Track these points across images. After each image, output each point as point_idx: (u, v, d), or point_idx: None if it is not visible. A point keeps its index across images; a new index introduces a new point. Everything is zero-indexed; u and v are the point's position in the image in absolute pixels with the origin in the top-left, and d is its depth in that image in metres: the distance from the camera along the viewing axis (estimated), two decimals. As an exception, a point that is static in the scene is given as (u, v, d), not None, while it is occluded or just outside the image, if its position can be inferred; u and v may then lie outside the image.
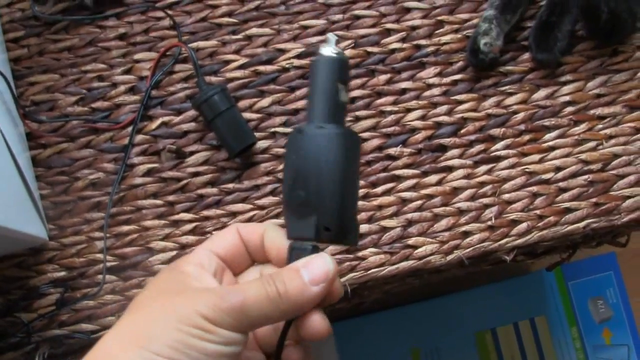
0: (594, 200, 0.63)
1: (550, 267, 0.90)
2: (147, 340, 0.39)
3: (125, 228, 0.62)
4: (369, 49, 0.65)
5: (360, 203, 0.62)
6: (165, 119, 0.64)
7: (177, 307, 0.40)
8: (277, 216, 0.62)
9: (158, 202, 0.62)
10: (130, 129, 0.63)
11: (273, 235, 0.46)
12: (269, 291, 0.41)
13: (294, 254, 0.44)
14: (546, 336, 1.00)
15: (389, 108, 0.64)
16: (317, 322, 0.43)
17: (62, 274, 0.62)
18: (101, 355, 0.40)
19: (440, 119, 0.64)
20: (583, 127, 0.64)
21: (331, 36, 0.45)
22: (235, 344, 0.40)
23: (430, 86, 0.65)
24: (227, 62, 0.64)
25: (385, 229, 0.62)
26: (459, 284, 1.00)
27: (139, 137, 0.63)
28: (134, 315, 0.41)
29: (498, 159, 0.63)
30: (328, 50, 0.44)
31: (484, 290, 1.00)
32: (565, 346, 1.00)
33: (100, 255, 0.62)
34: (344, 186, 0.43)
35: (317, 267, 0.42)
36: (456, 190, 0.63)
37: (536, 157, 0.63)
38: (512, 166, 0.63)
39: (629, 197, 0.63)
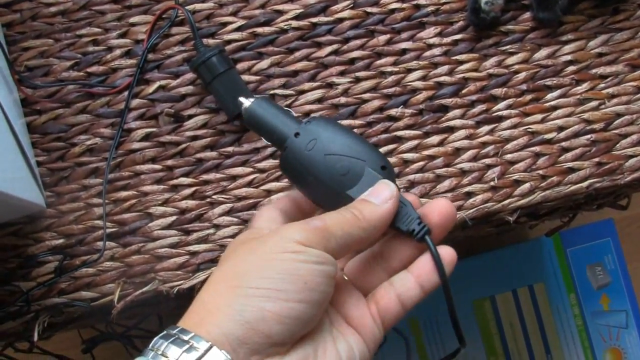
0: (596, 160, 0.62)
1: (549, 232, 0.90)
2: (240, 279, 0.41)
3: (124, 194, 0.61)
4: (368, 9, 0.64)
5: (361, 165, 0.61)
6: (163, 82, 0.63)
7: (264, 243, 0.42)
8: (277, 179, 0.61)
9: (156, 166, 0.62)
10: (126, 93, 0.62)
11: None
12: (348, 216, 0.44)
13: None
14: (545, 303, 1.00)
15: (389, 69, 0.63)
16: (442, 202, 0.47)
17: (61, 241, 0.61)
18: (201, 306, 0.41)
19: (441, 79, 0.63)
20: (585, 86, 0.64)
21: (241, 98, 0.50)
22: (327, 263, 0.42)
23: (430, 46, 0.64)
24: (224, 24, 0.63)
25: (387, 191, 0.61)
26: (457, 251, 1.00)
27: (136, 102, 0.62)
28: (222, 267, 0.43)
29: (500, 119, 0.63)
30: (249, 100, 0.49)
31: (482, 258, 1.00)
32: (564, 313, 1.00)
33: (98, 222, 0.61)
34: (361, 137, 0.48)
35: (381, 190, 0.45)
36: (458, 151, 0.62)
37: (538, 116, 0.63)
38: (514, 126, 0.63)
39: (631, 156, 0.62)
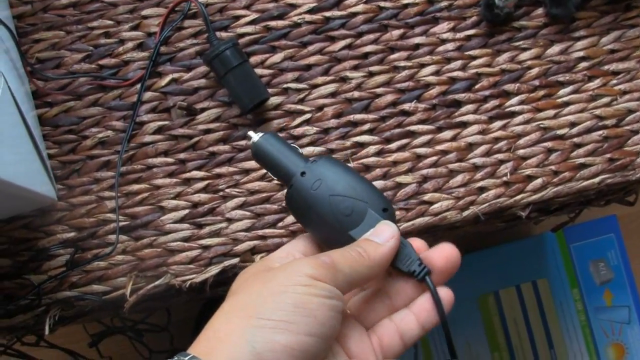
0: (608, 155, 0.62)
1: (555, 228, 0.90)
2: (252, 310, 0.42)
3: (136, 187, 0.61)
4: (382, 3, 0.64)
5: (374, 159, 0.61)
6: (175, 75, 0.62)
7: (276, 275, 0.44)
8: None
9: (169, 160, 0.61)
10: (138, 86, 0.62)
11: None
12: (353, 253, 0.46)
13: None
14: (548, 298, 1.00)
15: (402, 63, 0.63)
16: (447, 248, 0.49)
17: (72, 234, 0.60)
18: (212, 335, 0.42)
19: (455, 74, 0.63)
20: (597, 82, 0.64)
21: (250, 132, 0.51)
22: (336, 297, 0.43)
23: (443, 41, 0.64)
24: (237, 17, 0.63)
25: (400, 185, 0.61)
26: (462, 248, 1.00)
27: (148, 94, 0.62)
28: (234, 297, 0.45)
29: (513, 114, 0.63)
30: (258, 134, 0.51)
31: (486, 254, 1.00)
32: (567, 308, 1.00)
33: (110, 215, 0.61)
34: (364, 178, 0.50)
35: (383, 230, 0.47)
36: (471, 146, 0.62)
37: (551, 112, 0.63)
38: (527, 122, 0.63)
39: (643, 152, 0.62)
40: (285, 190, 0.50)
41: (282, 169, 0.50)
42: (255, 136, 0.51)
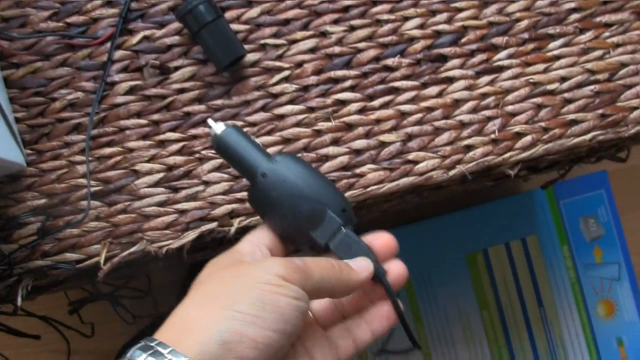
0: (600, 111, 0.60)
1: (544, 185, 0.89)
2: (226, 301, 0.43)
3: (108, 150, 0.59)
4: (363, -46, 0.61)
5: (356, 117, 0.59)
6: (147, 32, 0.59)
7: (249, 271, 0.45)
8: (269, 133, 0.59)
9: (142, 121, 0.59)
10: (109, 44, 0.59)
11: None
12: (326, 264, 0.47)
13: (339, 250, 0.50)
14: (537, 256, 0.99)
15: (385, 17, 0.60)
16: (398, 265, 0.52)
17: (43, 201, 0.58)
18: (179, 322, 0.43)
19: (440, 27, 0.60)
20: (589, 35, 0.61)
21: (210, 121, 0.51)
22: (302, 299, 0.45)
23: (428, -8, 0.61)
24: (211, -30, 0.60)
25: (383, 144, 0.59)
26: (448, 206, 0.99)
27: (119, 53, 0.59)
28: (203, 287, 0.46)
29: (501, 69, 0.60)
30: (220, 126, 0.50)
31: (474, 211, 0.98)
32: (557, 265, 0.99)
33: (82, 180, 0.58)
34: (325, 178, 0.51)
35: (361, 262, 0.50)
36: (457, 102, 0.60)
37: (540, 66, 0.60)
38: (516, 76, 0.60)
39: (636, 107, 0.60)
40: (248, 187, 0.51)
41: (244, 167, 0.50)
42: (216, 128, 0.50)
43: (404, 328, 0.52)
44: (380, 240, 0.52)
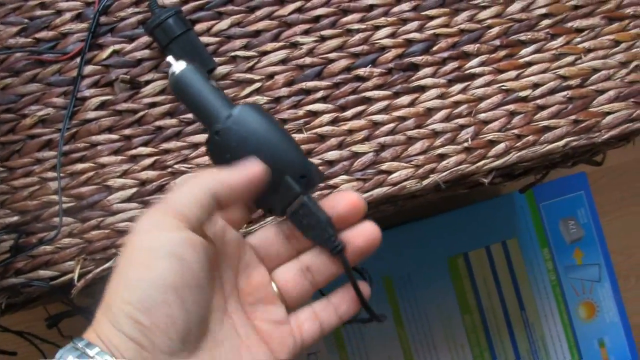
0: (573, 117, 0.60)
1: (523, 189, 0.89)
2: (111, 298, 0.40)
3: (80, 166, 0.58)
4: (333, -37, 0.60)
5: (329, 128, 0.59)
6: (117, 47, 0.59)
7: (131, 246, 0.41)
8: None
9: (113, 136, 0.58)
10: (78, 59, 0.59)
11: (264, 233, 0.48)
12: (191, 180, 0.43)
13: (294, 219, 0.46)
14: (518, 258, 0.99)
15: (355, 26, 0.60)
16: (368, 227, 0.46)
17: (15, 218, 0.58)
18: (97, 319, 0.40)
19: (411, 35, 0.60)
20: (560, 40, 0.61)
21: (170, 59, 0.46)
22: (178, 252, 0.40)
23: (399, 1, 0.61)
24: (180, -18, 0.60)
25: (356, 155, 0.59)
26: (429, 209, 0.98)
27: (89, 68, 0.59)
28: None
29: (473, 76, 0.60)
30: (180, 64, 0.46)
31: (455, 215, 0.98)
32: (537, 267, 0.99)
33: (54, 197, 0.58)
34: (288, 138, 0.46)
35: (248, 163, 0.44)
36: (430, 111, 0.60)
37: (513, 73, 0.60)
38: (488, 84, 0.60)
39: (609, 113, 0.60)
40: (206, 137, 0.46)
41: (201, 115, 0.46)
42: (175, 66, 0.46)
43: (364, 308, 0.48)
44: (344, 201, 0.46)
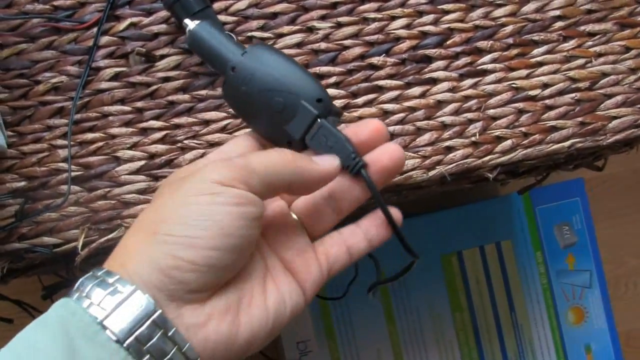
0: (580, 119, 0.61)
1: (522, 190, 0.89)
2: (157, 226, 0.40)
3: (90, 136, 0.58)
4: (353, -48, 0.61)
5: (340, 115, 0.59)
6: (134, 19, 0.59)
7: (183, 187, 0.41)
8: (252, 126, 0.59)
9: (126, 108, 0.59)
10: (95, 29, 0.59)
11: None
12: (273, 154, 0.43)
13: (314, 144, 0.46)
14: (511, 260, 1.00)
15: (372, 15, 0.60)
16: (392, 147, 0.47)
17: (22, 184, 0.58)
18: (123, 251, 0.41)
19: (426, 28, 0.61)
20: (572, 43, 0.62)
21: (187, 20, 0.51)
22: (247, 204, 0.41)
23: (416, -7, 0.61)
24: (201, -40, 0.60)
25: (366, 143, 0.59)
26: (425, 207, 0.99)
27: (105, 39, 0.59)
28: (146, 209, 0.43)
29: (484, 72, 0.61)
30: (195, 22, 0.50)
31: (451, 213, 0.99)
32: (530, 270, 1.00)
33: (63, 165, 0.58)
34: (300, 67, 0.47)
35: (326, 158, 0.45)
36: (440, 104, 0.60)
37: (523, 72, 0.61)
38: (499, 81, 0.61)
39: (615, 117, 0.61)
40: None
41: (217, 61, 0.48)
42: (191, 24, 0.49)
43: (394, 232, 0.48)
44: (368, 127, 0.47)
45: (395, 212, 0.47)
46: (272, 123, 0.46)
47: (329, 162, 0.45)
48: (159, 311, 0.38)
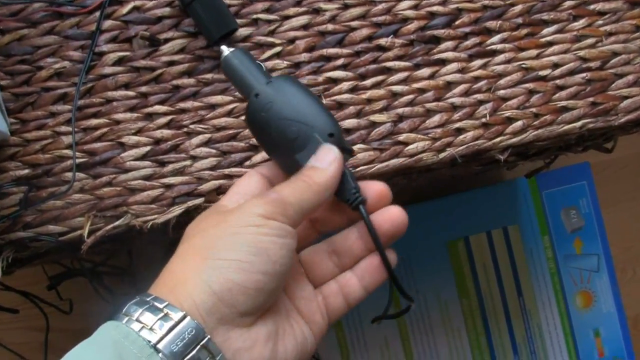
0: (591, 99, 0.60)
1: (529, 174, 0.89)
2: (207, 251, 0.43)
3: (94, 122, 0.57)
4: None
5: (348, 96, 0.58)
6: (137, 3, 0.58)
7: (228, 217, 0.44)
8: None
9: (130, 93, 0.58)
10: (98, 13, 0.58)
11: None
12: (299, 183, 0.46)
13: None
14: (518, 245, 0.99)
15: (379, -4, 0.60)
16: (394, 210, 0.48)
17: (26, 171, 0.57)
18: (169, 277, 0.43)
19: (434, 8, 0.60)
20: (582, 22, 0.61)
21: (222, 47, 0.52)
22: (287, 236, 0.44)
23: (423, -27, 0.60)
24: (205, -59, 0.59)
25: (374, 124, 0.58)
26: (432, 192, 0.98)
27: (108, 23, 0.58)
28: (188, 241, 0.45)
29: (494, 53, 0.60)
30: (230, 49, 0.52)
31: (457, 199, 0.98)
32: (537, 255, 0.99)
33: (67, 152, 0.57)
34: (319, 102, 0.49)
35: (325, 154, 0.47)
36: (449, 85, 0.59)
37: (533, 52, 0.60)
38: (508, 61, 0.60)
39: (626, 97, 0.60)
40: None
41: (244, 86, 0.50)
42: (226, 51, 0.51)
43: (389, 276, 0.49)
44: (372, 190, 0.49)
45: (391, 255, 0.49)
46: (285, 150, 0.48)
47: (328, 160, 0.47)
48: (208, 337, 0.40)
